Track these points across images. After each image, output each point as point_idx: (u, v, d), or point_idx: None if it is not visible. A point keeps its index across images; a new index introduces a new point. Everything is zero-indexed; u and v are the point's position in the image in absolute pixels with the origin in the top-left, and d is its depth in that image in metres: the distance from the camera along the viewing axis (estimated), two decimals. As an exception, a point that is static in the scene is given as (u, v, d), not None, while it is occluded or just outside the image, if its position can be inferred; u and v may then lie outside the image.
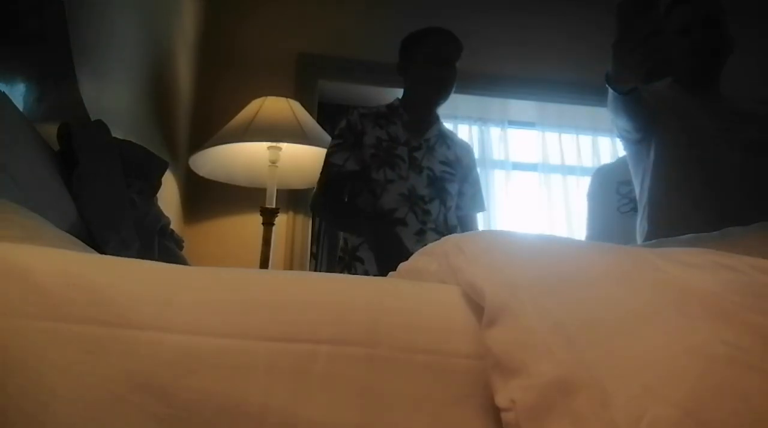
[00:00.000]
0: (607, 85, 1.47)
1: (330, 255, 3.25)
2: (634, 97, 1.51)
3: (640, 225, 1.78)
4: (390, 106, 2.04)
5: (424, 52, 1.96)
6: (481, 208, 2.13)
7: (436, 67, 1.94)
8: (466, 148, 2.13)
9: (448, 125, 2.33)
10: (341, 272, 1.96)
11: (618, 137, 1.85)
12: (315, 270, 3.15)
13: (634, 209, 2.21)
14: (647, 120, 1.69)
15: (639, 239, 1.77)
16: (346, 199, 1.98)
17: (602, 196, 2.36)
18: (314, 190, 2.01)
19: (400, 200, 1.89)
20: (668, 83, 1.81)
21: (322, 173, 1.96)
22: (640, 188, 1.82)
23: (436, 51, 1.95)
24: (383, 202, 1.89)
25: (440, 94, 1.98)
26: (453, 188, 2.00)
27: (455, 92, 3.11)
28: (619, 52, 1.30)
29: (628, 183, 2.26)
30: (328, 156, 1.96)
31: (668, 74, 1.29)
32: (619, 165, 2.42)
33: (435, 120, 2.05)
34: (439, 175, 1.97)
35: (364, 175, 1.92)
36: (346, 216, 1.98)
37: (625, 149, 1.85)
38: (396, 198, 1.89)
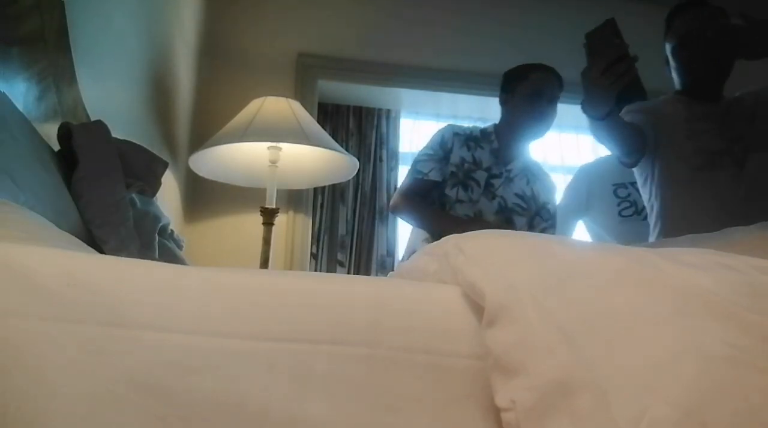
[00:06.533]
0: (582, 112, 1.49)
1: (330, 255, 3.25)
2: (612, 121, 1.52)
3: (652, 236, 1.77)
4: (484, 131, 2.12)
5: (528, 86, 2.02)
6: None
7: (538, 101, 2.01)
8: (547, 186, 2.17)
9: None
10: None
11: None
12: (315, 270, 3.15)
13: (638, 212, 2.14)
14: (635, 144, 1.68)
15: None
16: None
17: (593, 199, 2.24)
18: (396, 190, 2.14)
19: None
20: (671, 96, 1.79)
21: (406, 177, 2.09)
22: (648, 203, 1.80)
23: (541, 87, 2.01)
24: None
25: (537, 127, 2.04)
26: (520, 221, 2.06)
27: (455, 92, 3.13)
28: (589, 78, 1.36)
29: (625, 185, 2.18)
30: (415, 163, 2.08)
31: (639, 95, 1.37)
32: (608, 164, 2.23)
33: (523, 153, 2.12)
34: (511, 205, 2.05)
35: (440, 188, 2.03)
36: (429, 215, 2.04)
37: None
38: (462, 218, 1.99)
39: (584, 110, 1.48)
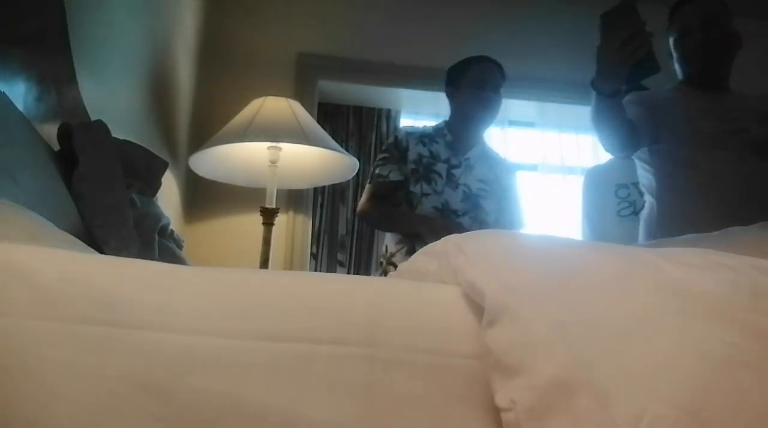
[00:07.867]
0: (592, 88, 1.50)
1: (330, 255, 3.25)
2: (617, 103, 1.54)
3: (649, 227, 1.78)
4: (436, 127, 2.22)
5: (469, 76, 2.13)
6: (520, 226, 2.26)
7: (479, 90, 2.11)
8: (508, 169, 2.28)
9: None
10: (380, 276, 2.12)
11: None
12: (315, 270, 3.15)
13: (635, 213, 2.19)
14: (628, 139, 1.69)
15: (642, 239, 1.77)
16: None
17: (598, 199, 2.32)
18: (361, 199, 2.19)
19: (434, 213, 2.05)
20: (674, 86, 1.82)
21: (368, 183, 2.17)
22: (647, 191, 1.82)
23: (480, 76, 2.12)
24: (419, 212, 2.06)
25: (483, 114, 2.14)
26: (488, 205, 2.14)
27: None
28: (605, 53, 1.39)
29: (626, 186, 2.25)
30: (374, 168, 2.16)
31: (653, 70, 1.39)
32: (613, 166, 2.36)
33: (478, 141, 2.21)
34: (475, 191, 2.12)
35: (404, 186, 2.10)
36: (395, 217, 2.13)
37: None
38: (430, 210, 2.06)
39: (594, 86, 1.51)
